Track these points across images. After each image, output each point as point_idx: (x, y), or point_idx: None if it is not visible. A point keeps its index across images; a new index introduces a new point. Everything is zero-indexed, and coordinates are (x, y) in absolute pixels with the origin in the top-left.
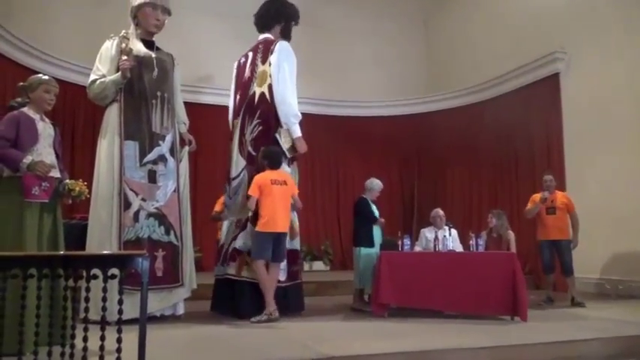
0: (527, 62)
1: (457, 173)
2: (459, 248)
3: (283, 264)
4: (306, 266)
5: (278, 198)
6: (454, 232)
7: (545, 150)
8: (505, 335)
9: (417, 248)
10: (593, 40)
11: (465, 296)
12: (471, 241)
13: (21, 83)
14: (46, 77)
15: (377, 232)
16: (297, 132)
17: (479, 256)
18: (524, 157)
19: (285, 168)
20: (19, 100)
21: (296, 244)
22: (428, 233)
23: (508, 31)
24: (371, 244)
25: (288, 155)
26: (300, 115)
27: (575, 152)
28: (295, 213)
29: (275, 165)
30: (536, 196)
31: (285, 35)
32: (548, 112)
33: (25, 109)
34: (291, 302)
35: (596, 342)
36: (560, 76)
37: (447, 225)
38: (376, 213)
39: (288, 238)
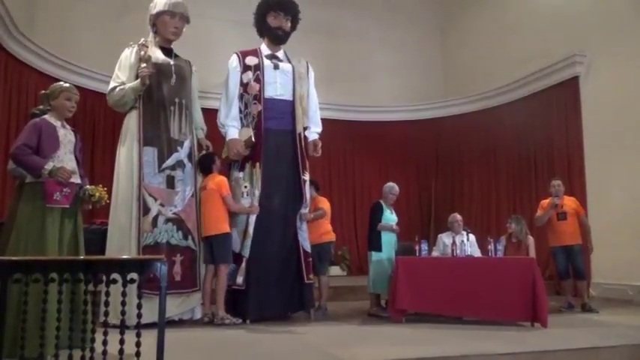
0: (545, 66)
1: (475, 178)
2: (477, 253)
3: (232, 267)
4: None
5: (202, 203)
6: (472, 237)
7: (565, 155)
8: (525, 342)
9: (435, 253)
10: (612, 43)
11: (483, 302)
12: (489, 246)
13: (43, 91)
14: (67, 85)
15: (389, 236)
16: (228, 136)
17: (497, 261)
18: (543, 161)
19: (234, 174)
20: (40, 107)
21: (245, 247)
22: (445, 238)
23: (526, 35)
24: (379, 249)
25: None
26: (223, 123)
27: (596, 157)
28: (251, 215)
29: (201, 171)
30: (545, 202)
31: (267, 30)
32: (568, 116)
33: (46, 117)
34: (242, 307)
35: (619, 349)
36: (579, 80)
37: (464, 230)
38: (390, 218)
39: (240, 239)
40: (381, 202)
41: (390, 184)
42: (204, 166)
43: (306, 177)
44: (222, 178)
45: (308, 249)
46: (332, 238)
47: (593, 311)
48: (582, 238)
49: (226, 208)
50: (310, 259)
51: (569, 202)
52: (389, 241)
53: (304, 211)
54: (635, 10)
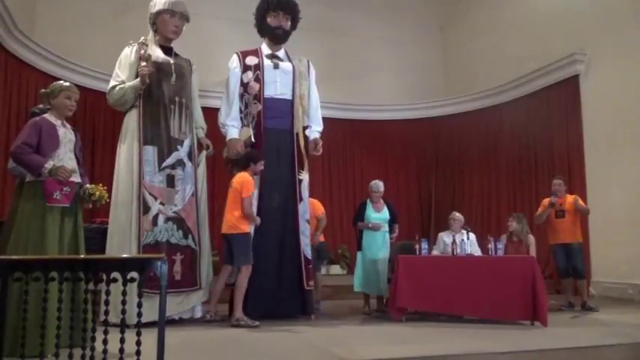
0: (545, 64)
1: (475, 176)
2: (478, 252)
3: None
4: (322, 270)
5: (227, 200)
6: (472, 235)
7: (565, 153)
8: (525, 340)
9: (435, 252)
10: (612, 41)
11: (483, 301)
12: (489, 245)
13: (43, 90)
14: (67, 84)
15: (373, 235)
16: (228, 135)
17: (498, 260)
18: (543, 160)
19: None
20: (40, 106)
21: None
22: (445, 237)
23: (526, 34)
24: (359, 248)
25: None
26: (223, 123)
27: (596, 155)
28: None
29: (236, 165)
30: (547, 201)
31: (267, 30)
32: (568, 115)
33: (46, 116)
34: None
35: (619, 348)
36: (579, 78)
37: (464, 229)
38: (373, 217)
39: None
40: (367, 200)
41: (373, 181)
42: (243, 161)
43: (302, 176)
44: (248, 179)
45: (309, 255)
46: (322, 239)
47: (593, 310)
48: (582, 236)
49: None
50: (311, 265)
51: (570, 201)
52: (374, 240)
53: (302, 209)
54: (635, 9)
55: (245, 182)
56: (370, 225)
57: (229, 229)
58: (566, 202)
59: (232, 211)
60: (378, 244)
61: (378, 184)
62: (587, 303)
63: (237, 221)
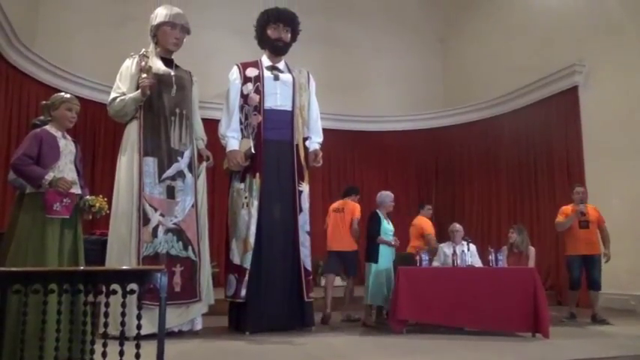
0: (544, 75)
1: (475, 188)
2: (478, 263)
3: (233, 279)
4: (323, 281)
5: (339, 221)
6: (473, 247)
7: (565, 164)
8: (527, 352)
9: (435, 264)
10: (611, 53)
11: (484, 312)
12: (490, 256)
13: (43, 102)
14: (68, 95)
15: (387, 248)
16: (228, 147)
17: (498, 271)
18: (543, 171)
19: (235, 185)
20: (41, 118)
21: (246, 259)
22: (446, 248)
23: (525, 45)
24: (375, 260)
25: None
26: (223, 134)
27: (595, 166)
28: (251, 226)
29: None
30: (567, 209)
31: (267, 41)
32: (567, 126)
33: (47, 127)
34: (242, 319)
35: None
36: (578, 89)
37: (465, 240)
38: (388, 228)
39: (240, 250)
40: (378, 211)
41: (385, 192)
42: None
43: (302, 188)
44: (357, 205)
45: (309, 267)
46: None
47: (605, 322)
48: (602, 248)
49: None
50: (310, 277)
51: (592, 211)
52: (387, 252)
53: (302, 220)
54: (634, 21)
55: (354, 207)
56: (393, 243)
57: (348, 246)
58: (588, 212)
59: (348, 231)
60: (390, 257)
61: (391, 194)
62: (597, 315)
63: (352, 240)
